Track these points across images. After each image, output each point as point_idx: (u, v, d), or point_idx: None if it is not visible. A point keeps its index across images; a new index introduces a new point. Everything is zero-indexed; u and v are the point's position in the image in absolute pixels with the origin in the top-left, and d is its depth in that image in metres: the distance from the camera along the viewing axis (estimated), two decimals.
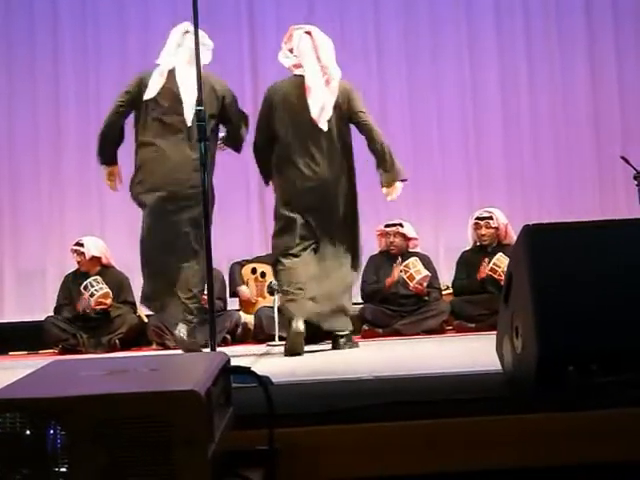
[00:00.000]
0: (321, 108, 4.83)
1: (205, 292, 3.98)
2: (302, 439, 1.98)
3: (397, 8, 8.07)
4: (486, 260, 6.43)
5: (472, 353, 4.31)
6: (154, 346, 6.36)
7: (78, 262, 6.78)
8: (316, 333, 4.98)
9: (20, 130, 7.97)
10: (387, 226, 6.72)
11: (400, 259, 6.59)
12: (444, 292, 6.79)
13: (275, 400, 1.83)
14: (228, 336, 6.50)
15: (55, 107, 7.99)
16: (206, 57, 4.76)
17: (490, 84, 8.03)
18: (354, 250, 5.01)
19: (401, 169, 5.00)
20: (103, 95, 7.68)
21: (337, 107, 4.89)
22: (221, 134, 5.04)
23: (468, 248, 6.75)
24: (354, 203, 5.02)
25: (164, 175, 4.78)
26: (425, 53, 8.04)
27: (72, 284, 6.73)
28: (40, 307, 7.24)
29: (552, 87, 8.04)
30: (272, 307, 6.05)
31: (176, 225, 4.80)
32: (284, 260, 4.91)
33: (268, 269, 6.45)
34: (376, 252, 6.74)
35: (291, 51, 5.00)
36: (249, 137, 5.13)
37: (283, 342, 4.98)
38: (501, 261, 6.23)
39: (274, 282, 5.41)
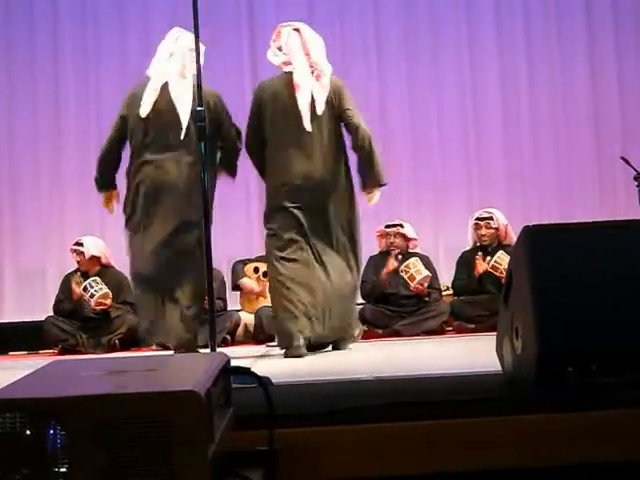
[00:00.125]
0: (310, 103, 4.74)
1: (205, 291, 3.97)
2: (302, 439, 1.98)
3: (397, 8, 8.05)
4: (480, 254, 6.44)
5: (472, 354, 4.31)
6: (154, 346, 6.35)
7: (78, 262, 6.78)
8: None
9: (20, 130, 7.96)
10: (387, 227, 6.71)
11: (400, 257, 6.58)
12: (444, 293, 6.78)
13: (275, 400, 1.83)
14: (228, 337, 6.50)
15: (55, 107, 7.98)
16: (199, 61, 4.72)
17: (490, 84, 8.02)
18: (354, 251, 4.91)
19: (381, 173, 4.87)
20: (103, 95, 7.70)
21: (329, 103, 4.80)
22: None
23: (468, 248, 6.74)
24: (352, 201, 4.91)
25: (173, 206, 4.66)
26: (425, 53, 8.03)
27: (71, 282, 6.72)
28: (40, 307, 7.23)
29: (552, 87, 8.03)
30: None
31: (183, 246, 4.69)
32: (280, 268, 4.76)
33: None
34: (376, 252, 6.73)
35: (280, 49, 4.93)
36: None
37: None
38: (502, 259, 6.22)
39: None
